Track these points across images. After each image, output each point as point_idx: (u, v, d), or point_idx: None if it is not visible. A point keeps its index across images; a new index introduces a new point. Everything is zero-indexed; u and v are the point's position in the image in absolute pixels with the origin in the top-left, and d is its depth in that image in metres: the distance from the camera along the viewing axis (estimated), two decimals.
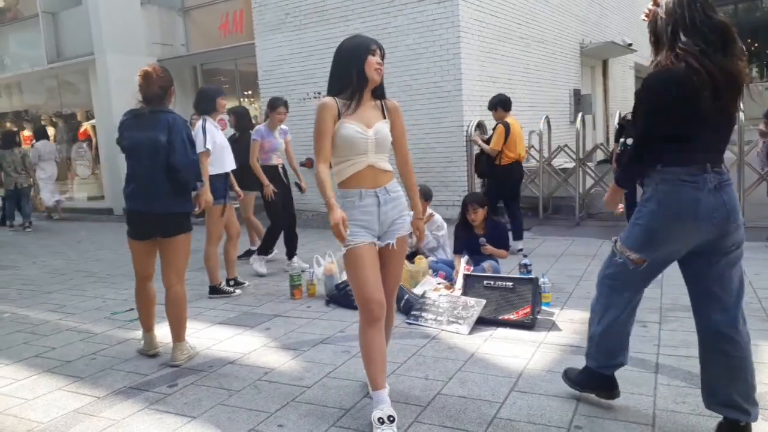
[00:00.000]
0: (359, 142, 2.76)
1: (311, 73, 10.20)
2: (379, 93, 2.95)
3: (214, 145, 5.04)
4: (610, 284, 2.63)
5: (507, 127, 6.55)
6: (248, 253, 6.79)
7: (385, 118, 2.88)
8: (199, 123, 5.04)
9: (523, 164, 9.05)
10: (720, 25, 2.29)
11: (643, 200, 2.48)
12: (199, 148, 4.52)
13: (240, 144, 6.47)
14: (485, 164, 6.91)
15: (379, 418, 2.63)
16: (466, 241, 5.18)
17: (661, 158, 2.37)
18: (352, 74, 2.81)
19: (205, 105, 5.18)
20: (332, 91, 2.87)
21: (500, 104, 6.68)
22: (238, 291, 5.37)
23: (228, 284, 5.47)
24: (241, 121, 7.00)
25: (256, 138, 5.94)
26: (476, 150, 7.20)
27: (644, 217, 2.45)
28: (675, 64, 2.27)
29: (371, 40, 2.92)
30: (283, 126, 6.10)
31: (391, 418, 2.63)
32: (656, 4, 2.42)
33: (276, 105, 5.97)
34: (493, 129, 6.74)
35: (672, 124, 2.31)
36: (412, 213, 3.00)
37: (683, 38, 2.28)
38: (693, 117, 2.29)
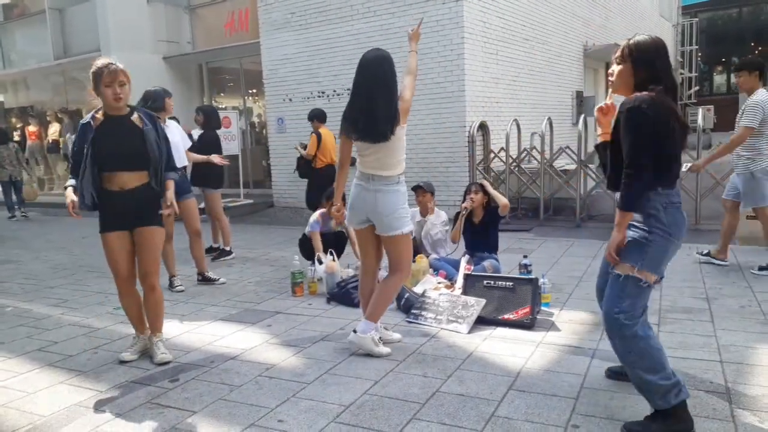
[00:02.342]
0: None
1: (316, 71, 10.23)
2: None
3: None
4: (631, 315, 2.55)
5: (319, 136, 7.72)
6: (211, 250, 6.87)
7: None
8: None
9: (525, 165, 9.16)
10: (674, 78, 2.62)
11: (648, 223, 2.54)
12: None
13: (203, 143, 6.62)
14: (304, 167, 8.05)
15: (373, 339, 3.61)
16: (465, 231, 5.33)
17: (660, 181, 2.51)
18: None
19: (153, 105, 5.21)
20: None
21: (316, 117, 7.94)
22: (180, 287, 5.50)
23: (198, 279, 5.75)
24: (211, 120, 7.03)
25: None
26: (297, 154, 8.24)
27: (658, 240, 2.53)
28: (656, 98, 2.45)
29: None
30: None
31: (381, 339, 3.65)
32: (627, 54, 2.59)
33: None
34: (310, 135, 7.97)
35: (672, 146, 2.52)
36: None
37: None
38: (676, 143, 2.53)
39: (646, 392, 2.58)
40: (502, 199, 5.16)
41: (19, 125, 16.49)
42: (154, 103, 5.24)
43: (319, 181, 7.52)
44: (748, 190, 5.28)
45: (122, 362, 3.67)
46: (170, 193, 3.74)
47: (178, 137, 5.59)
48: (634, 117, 2.44)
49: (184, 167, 5.73)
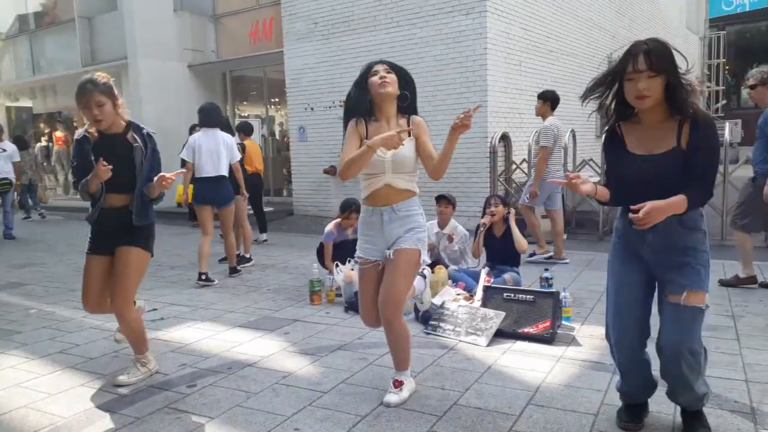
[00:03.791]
0: (377, 162, 2.96)
1: (338, 81, 10.29)
2: (406, 108, 3.08)
3: None
4: (700, 344, 2.52)
5: (243, 147, 8.19)
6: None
7: (409, 135, 2.98)
8: None
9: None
10: None
11: (701, 245, 2.47)
12: None
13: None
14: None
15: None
16: (486, 244, 5.33)
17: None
18: (364, 102, 3.04)
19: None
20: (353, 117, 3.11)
21: (242, 129, 8.66)
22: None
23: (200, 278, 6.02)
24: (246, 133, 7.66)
25: None
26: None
27: (707, 261, 2.48)
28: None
29: (374, 62, 3.10)
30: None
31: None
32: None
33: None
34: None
35: None
36: (423, 229, 3.11)
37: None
38: None
39: (700, 401, 2.59)
40: (521, 243, 5.15)
41: (47, 131, 16.81)
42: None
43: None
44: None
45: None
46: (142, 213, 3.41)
47: (213, 145, 6.14)
48: (715, 130, 2.39)
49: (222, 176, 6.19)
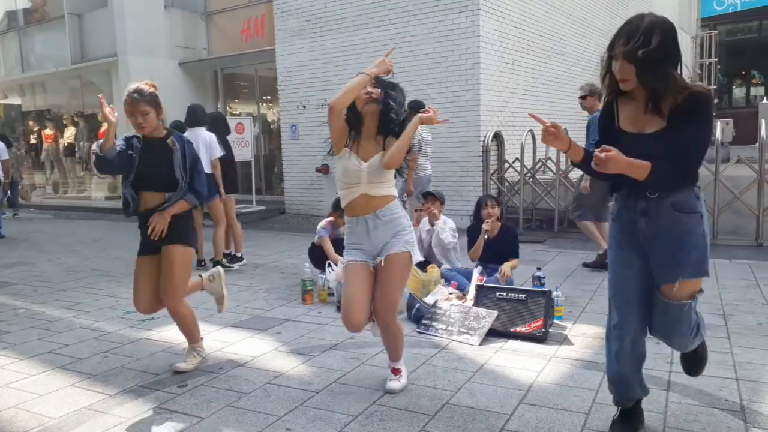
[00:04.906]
0: (353, 172, 3.06)
1: (330, 79, 10.26)
2: (384, 130, 3.11)
3: None
4: (697, 318, 2.53)
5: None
6: (224, 256, 6.86)
7: (384, 149, 3.09)
8: None
9: (539, 176, 9.09)
10: None
11: (696, 227, 2.37)
12: None
13: None
14: None
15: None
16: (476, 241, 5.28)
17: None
18: (350, 117, 3.10)
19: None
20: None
21: (177, 128, 8.46)
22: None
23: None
24: (218, 126, 7.14)
25: None
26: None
27: (704, 245, 2.40)
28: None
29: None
30: None
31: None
32: None
33: None
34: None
35: None
36: (409, 230, 3.16)
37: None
38: None
39: (696, 335, 2.58)
40: (513, 264, 5.13)
41: (36, 128, 16.68)
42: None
43: None
44: None
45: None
46: (168, 209, 3.48)
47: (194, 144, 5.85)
48: (706, 112, 2.30)
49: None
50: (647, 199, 2.38)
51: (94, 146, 3.52)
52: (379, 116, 3.06)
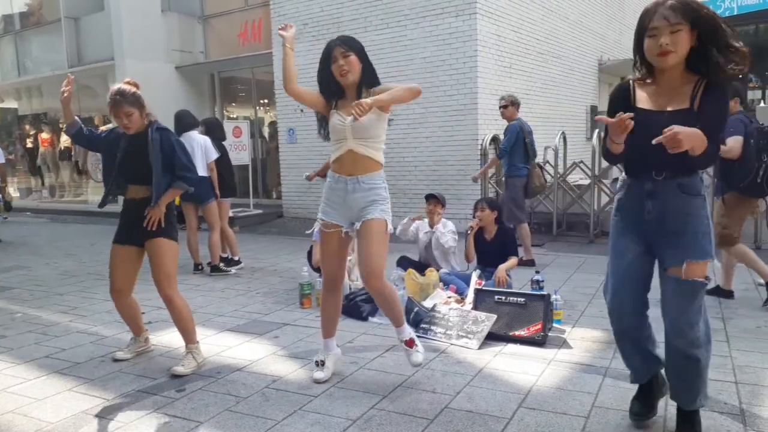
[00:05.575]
0: (339, 128, 3.17)
1: None
2: (367, 83, 3.22)
3: None
4: (705, 316, 2.52)
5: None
6: (221, 260, 6.82)
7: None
8: None
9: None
10: None
11: (701, 209, 2.39)
12: None
13: None
14: None
15: (316, 361, 3.43)
16: (477, 247, 5.32)
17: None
18: (331, 86, 3.25)
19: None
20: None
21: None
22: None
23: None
24: (214, 132, 7.04)
25: None
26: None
27: (708, 226, 2.41)
28: None
29: (332, 45, 3.22)
30: None
31: (322, 362, 3.39)
32: None
33: None
34: None
35: None
36: (386, 201, 3.23)
37: None
38: None
39: (701, 388, 2.55)
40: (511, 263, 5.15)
41: (32, 132, 16.63)
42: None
43: None
44: None
45: (116, 360, 3.82)
46: (161, 200, 3.56)
47: (189, 148, 5.83)
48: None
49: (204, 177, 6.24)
50: (653, 180, 2.40)
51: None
52: (360, 76, 3.20)
